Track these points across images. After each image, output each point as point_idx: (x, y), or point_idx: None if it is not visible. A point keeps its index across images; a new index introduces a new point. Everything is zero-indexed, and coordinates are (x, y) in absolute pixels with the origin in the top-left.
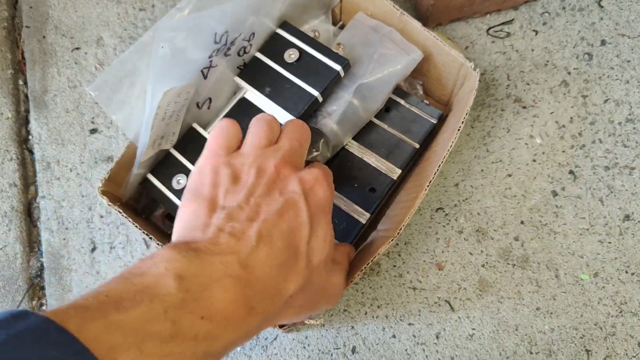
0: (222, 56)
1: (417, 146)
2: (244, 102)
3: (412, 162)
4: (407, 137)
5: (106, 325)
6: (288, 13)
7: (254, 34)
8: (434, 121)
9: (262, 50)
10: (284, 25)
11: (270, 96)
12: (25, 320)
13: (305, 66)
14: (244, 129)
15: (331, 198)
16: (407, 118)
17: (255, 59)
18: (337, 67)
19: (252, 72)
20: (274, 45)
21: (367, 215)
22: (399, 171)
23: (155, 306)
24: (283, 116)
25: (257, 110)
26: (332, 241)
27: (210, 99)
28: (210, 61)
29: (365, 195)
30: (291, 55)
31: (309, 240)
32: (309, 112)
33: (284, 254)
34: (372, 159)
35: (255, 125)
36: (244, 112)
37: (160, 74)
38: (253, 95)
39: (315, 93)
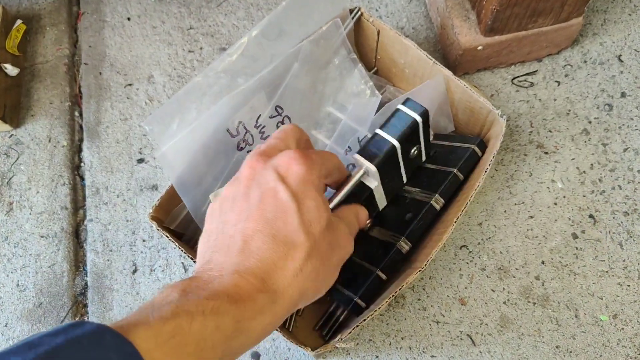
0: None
1: (455, 171)
2: (364, 188)
3: (455, 189)
4: (450, 167)
5: (147, 328)
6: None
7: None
8: (473, 147)
9: (400, 140)
10: (425, 119)
11: (384, 185)
12: (82, 327)
13: (414, 160)
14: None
15: (309, 170)
16: (449, 152)
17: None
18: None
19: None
20: (409, 139)
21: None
22: (442, 200)
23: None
24: (383, 202)
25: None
26: (325, 208)
27: None
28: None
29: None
30: (414, 152)
31: (301, 214)
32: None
33: (275, 235)
34: (417, 194)
35: None
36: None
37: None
38: (377, 187)
39: (405, 180)
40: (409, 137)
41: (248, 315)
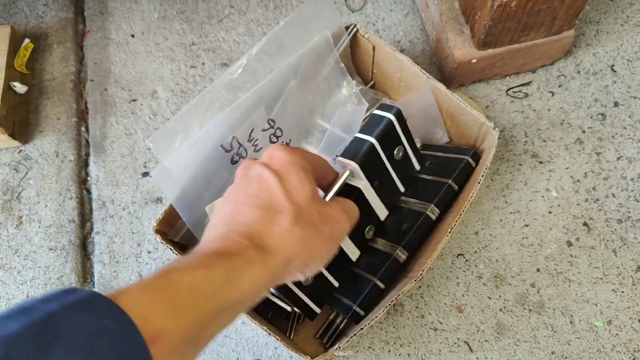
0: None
1: (450, 182)
2: (352, 189)
3: (450, 200)
4: (445, 178)
5: (140, 288)
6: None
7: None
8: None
9: (378, 138)
10: (400, 119)
11: (376, 189)
12: (75, 294)
13: (403, 164)
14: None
15: (291, 154)
16: (443, 164)
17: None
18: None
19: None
20: (388, 138)
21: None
22: (437, 210)
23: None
24: (382, 210)
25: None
26: (309, 183)
27: None
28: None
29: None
30: (399, 154)
31: (284, 187)
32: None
33: (260, 205)
34: (415, 205)
35: None
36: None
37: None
38: (365, 186)
39: (402, 189)
40: (387, 135)
41: (237, 267)
